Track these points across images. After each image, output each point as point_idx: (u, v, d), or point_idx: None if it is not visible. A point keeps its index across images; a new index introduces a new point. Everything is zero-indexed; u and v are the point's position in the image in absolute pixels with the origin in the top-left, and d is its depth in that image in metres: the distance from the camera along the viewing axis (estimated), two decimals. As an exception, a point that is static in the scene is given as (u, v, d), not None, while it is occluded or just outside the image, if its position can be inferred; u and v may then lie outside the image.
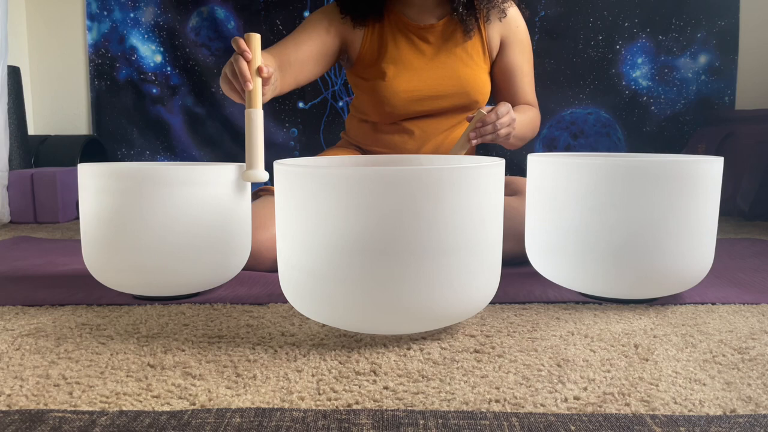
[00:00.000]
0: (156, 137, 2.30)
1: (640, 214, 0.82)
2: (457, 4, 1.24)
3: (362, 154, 1.38)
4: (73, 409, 0.56)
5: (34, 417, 0.54)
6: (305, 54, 1.24)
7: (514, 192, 1.21)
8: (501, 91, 1.35)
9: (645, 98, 2.19)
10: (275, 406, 0.56)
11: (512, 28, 1.32)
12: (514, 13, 1.32)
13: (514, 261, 1.13)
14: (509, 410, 0.55)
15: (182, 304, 0.90)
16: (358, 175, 0.65)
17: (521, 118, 1.22)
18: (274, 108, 2.27)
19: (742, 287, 0.98)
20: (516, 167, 2.09)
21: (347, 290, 0.68)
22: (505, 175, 1.25)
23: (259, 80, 0.95)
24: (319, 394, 0.59)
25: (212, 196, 0.87)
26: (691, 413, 0.54)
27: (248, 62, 0.94)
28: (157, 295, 0.92)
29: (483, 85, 1.30)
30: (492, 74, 1.35)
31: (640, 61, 2.18)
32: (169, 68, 2.27)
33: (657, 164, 0.81)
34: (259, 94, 0.95)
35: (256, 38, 0.95)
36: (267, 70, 0.95)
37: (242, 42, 0.94)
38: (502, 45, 1.32)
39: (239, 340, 0.74)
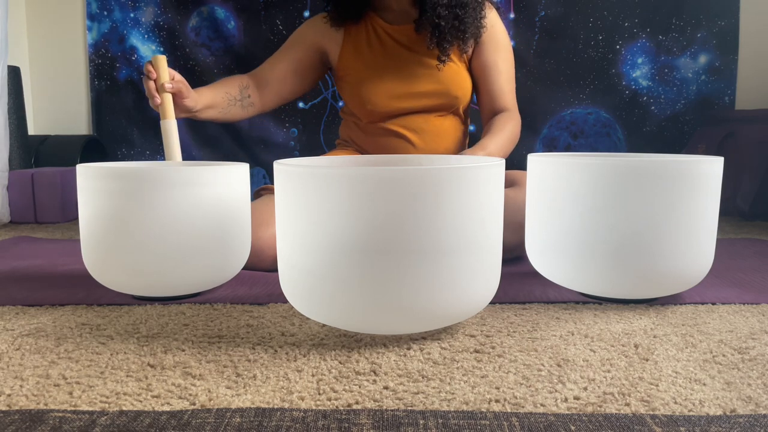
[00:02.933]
0: (156, 137, 2.29)
1: (640, 214, 0.82)
2: (432, 37, 1.25)
3: (361, 153, 1.39)
4: (73, 409, 0.56)
5: (34, 417, 0.54)
6: (281, 72, 1.36)
7: (511, 183, 1.22)
8: (479, 89, 1.35)
9: (645, 98, 2.19)
10: (275, 406, 0.56)
11: (488, 28, 1.31)
12: (490, 15, 1.32)
13: (514, 253, 1.14)
14: (509, 410, 0.55)
15: (182, 304, 0.90)
16: (358, 175, 0.65)
17: (495, 145, 1.21)
18: (275, 108, 2.27)
19: (742, 287, 0.98)
20: (516, 167, 2.09)
21: (347, 290, 0.68)
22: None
23: (167, 95, 1.12)
24: (319, 394, 0.59)
25: (212, 196, 0.87)
26: (691, 413, 0.54)
27: (154, 81, 1.12)
28: (157, 296, 0.92)
29: (462, 81, 1.31)
30: (471, 74, 1.35)
31: (640, 61, 2.18)
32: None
33: (657, 164, 0.81)
34: (168, 107, 1.12)
35: (161, 60, 1.13)
36: (170, 85, 1.12)
37: (147, 65, 1.12)
38: (477, 44, 1.33)
39: (239, 340, 0.74)
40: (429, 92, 1.29)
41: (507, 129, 1.28)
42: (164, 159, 1.14)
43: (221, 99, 1.27)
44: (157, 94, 1.12)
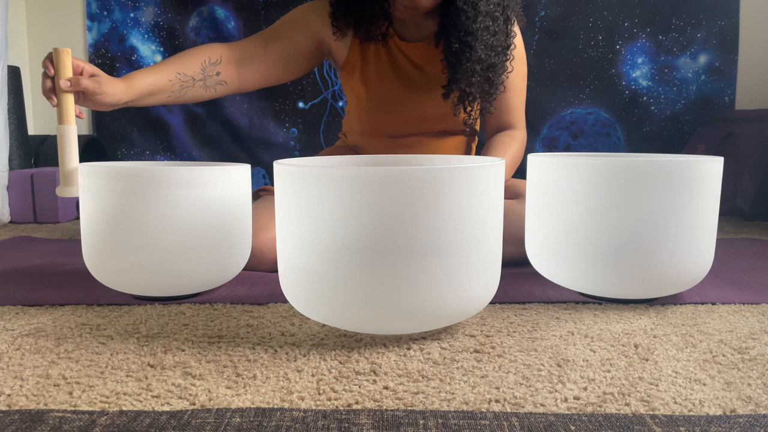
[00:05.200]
0: (156, 137, 2.30)
1: (640, 214, 0.82)
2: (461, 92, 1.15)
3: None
4: (73, 409, 0.56)
5: (34, 417, 0.54)
6: (272, 52, 1.21)
7: (514, 195, 1.18)
8: None
9: (645, 98, 2.19)
10: (275, 406, 0.56)
11: None
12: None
13: (515, 264, 1.12)
14: (509, 410, 0.55)
15: (182, 304, 0.90)
16: (358, 175, 0.65)
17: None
18: (275, 108, 2.27)
19: (742, 287, 0.98)
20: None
21: (347, 290, 0.68)
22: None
23: (66, 96, 0.96)
24: (319, 394, 0.59)
25: (213, 196, 0.87)
26: (691, 413, 0.54)
27: (51, 79, 0.96)
28: (157, 296, 0.92)
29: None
30: None
31: (640, 61, 2.18)
32: (169, 68, 2.26)
33: (657, 164, 0.81)
34: (67, 110, 0.96)
35: (62, 53, 0.96)
36: (66, 84, 0.96)
37: (45, 60, 0.97)
38: None
39: (239, 340, 0.74)
40: (435, 116, 1.23)
41: (509, 152, 1.21)
42: (165, 159, 1.13)
43: (168, 83, 1.10)
44: (53, 96, 0.97)
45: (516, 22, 1.22)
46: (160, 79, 1.09)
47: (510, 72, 1.19)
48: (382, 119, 1.25)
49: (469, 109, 1.18)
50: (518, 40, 1.25)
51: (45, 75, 0.97)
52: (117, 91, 1.03)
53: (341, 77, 1.31)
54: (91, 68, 1.01)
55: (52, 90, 0.97)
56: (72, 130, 0.96)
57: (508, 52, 1.16)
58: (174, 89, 1.12)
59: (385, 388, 0.60)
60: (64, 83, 0.96)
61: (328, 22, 1.22)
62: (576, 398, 0.58)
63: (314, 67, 1.32)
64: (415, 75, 1.22)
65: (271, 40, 1.21)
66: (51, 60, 0.97)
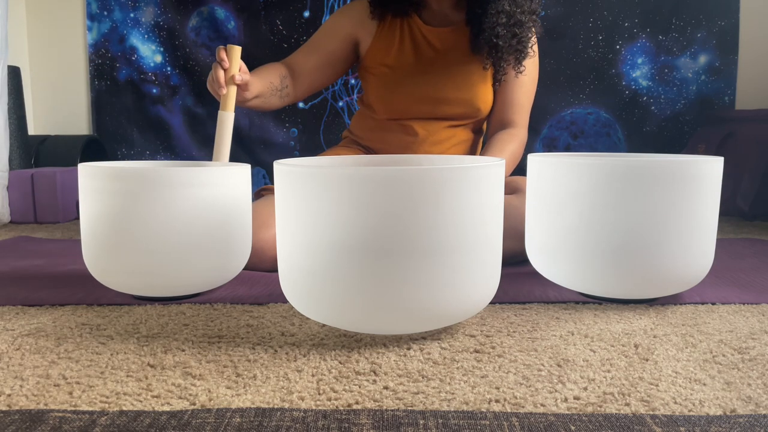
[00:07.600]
0: (156, 137, 2.30)
1: (640, 214, 0.82)
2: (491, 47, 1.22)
3: (365, 151, 1.38)
4: (73, 409, 0.56)
5: (34, 417, 0.54)
6: (314, 64, 1.34)
7: (513, 190, 1.20)
8: (495, 97, 1.32)
9: (645, 98, 2.19)
10: (275, 406, 0.56)
11: None
12: None
13: (515, 259, 1.13)
14: (509, 410, 0.55)
15: (182, 304, 0.90)
16: (358, 175, 0.65)
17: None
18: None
19: (742, 287, 0.98)
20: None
21: (347, 290, 0.68)
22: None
23: (233, 87, 1.11)
24: (319, 394, 0.59)
25: (213, 196, 0.87)
26: (691, 413, 0.54)
27: (225, 70, 1.09)
28: (157, 296, 0.92)
29: (485, 94, 1.29)
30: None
31: (640, 61, 2.18)
32: (169, 68, 2.27)
33: (657, 164, 0.81)
34: (231, 99, 1.11)
35: (236, 50, 1.10)
36: (240, 77, 1.11)
37: (222, 52, 1.10)
38: None
39: (239, 340, 0.74)
40: (451, 100, 1.27)
41: (507, 150, 1.25)
42: (165, 159, 1.13)
43: (266, 90, 1.26)
44: (224, 84, 1.10)
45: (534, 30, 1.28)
46: (264, 85, 1.24)
47: (535, 36, 1.25)
48: (398, 97, 1.29)
49: (503, 65, 1.22)
50: (534, 43, 1.30)
51: (218, 66, 1.09)
52: (253, 89, 1.18)
53: (363, 67, 1.36)
54: (244, 67, 1.14)
55: (224, 80, 1.10)
56: (233, 117, 1.11)
57: (535, 17, 1.23)
58: (266, 95, 1.25)
59: (385, 388, 0.60)
60: (237, 76, 1.10)
61: (357, 19, 1.33)
62: (576, 398, 0.58)
63: (353, 65, 1.42)
64: (434, 58, 1.28)
65: (311, 55, 1.34)
66: (226, 53, 1.10)
